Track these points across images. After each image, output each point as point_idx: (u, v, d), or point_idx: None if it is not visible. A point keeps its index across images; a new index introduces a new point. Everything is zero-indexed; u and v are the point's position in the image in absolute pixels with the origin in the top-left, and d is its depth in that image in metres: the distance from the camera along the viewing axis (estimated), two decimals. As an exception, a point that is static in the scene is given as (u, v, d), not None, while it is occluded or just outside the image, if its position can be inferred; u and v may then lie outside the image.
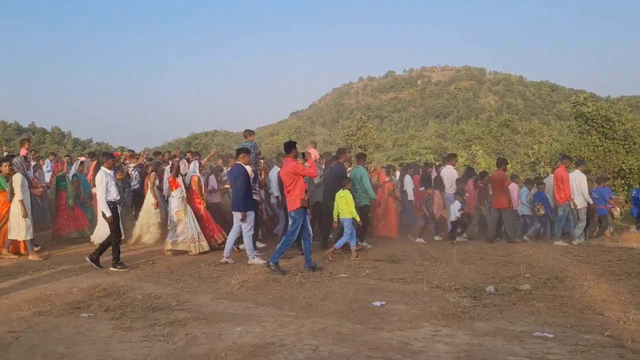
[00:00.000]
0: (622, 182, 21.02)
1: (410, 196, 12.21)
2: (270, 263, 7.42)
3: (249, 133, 10.95)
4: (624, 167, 21.29)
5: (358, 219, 9.14)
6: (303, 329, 4.71)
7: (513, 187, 12.04)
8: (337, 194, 9.11)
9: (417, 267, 7.93)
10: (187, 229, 9.11)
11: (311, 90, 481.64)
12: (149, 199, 10.39)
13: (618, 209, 12.91)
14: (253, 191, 8.94)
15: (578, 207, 11.18)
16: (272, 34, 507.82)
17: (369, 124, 62.78)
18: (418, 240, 10.93)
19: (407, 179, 12.52)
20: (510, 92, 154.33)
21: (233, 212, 8.40)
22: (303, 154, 8.33)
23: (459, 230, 11.35)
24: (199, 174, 9.72)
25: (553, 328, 4.67)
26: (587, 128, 23.05)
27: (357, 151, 49.54)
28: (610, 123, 22.22)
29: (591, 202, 11.40)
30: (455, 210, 11.03)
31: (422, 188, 11.69)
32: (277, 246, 7.72)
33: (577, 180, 11.38)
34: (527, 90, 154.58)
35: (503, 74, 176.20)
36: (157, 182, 10.59)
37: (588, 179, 12.22)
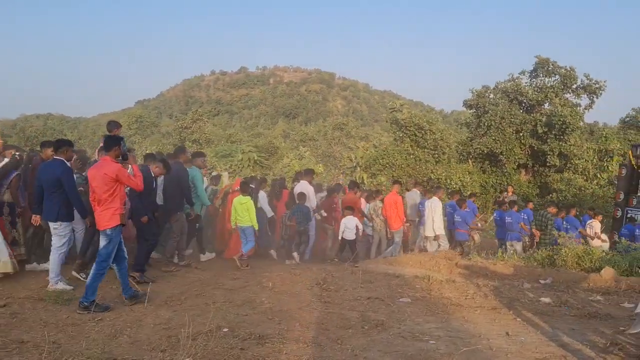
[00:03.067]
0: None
1: (269, 214, 10.50)
2: (85, 303, 5.49)
3: (114, 126, 8.49)
4: (432, 176, 21.03)
5: (257, 227, 8.98)
6: None
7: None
8: (237, 199, 8.88)
9: (81, 314, 5.40)
10: None
11: (160, 79, 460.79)
12: None
13: (478, 234, 12.24)
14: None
15: (425, 235, 11.43)
16: (120, 15, 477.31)
17: (205, 118, 59.90)
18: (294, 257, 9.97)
19: (262, 195, 10.44)
20: (356, 98, 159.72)
21: (50, 223, 6.48)
22: (126, 155, 6.17)
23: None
24: None
25: None
26: (401, 135, 22.57)
27: (190, 146, 46.39)
28: (422, 132, 21.90)
29: (439, 233, 11.27)
30: (352, 228, 10.13)
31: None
32: (88, 280, 5.71)
33: (433, 207, 11.27)
34: (372, 97, 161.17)
35: (351, 80, 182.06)
36: None
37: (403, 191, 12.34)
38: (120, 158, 6.12)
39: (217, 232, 10.65)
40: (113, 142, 6.04)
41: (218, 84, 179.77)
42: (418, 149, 21.97)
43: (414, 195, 12.70)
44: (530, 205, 13.06)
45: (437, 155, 22.01)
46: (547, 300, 6.75)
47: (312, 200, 10.76)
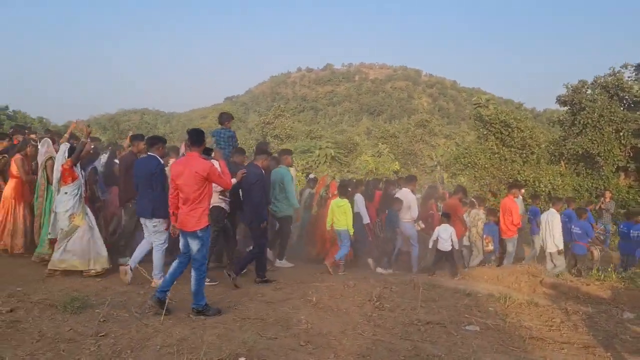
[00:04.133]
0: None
1: (366, 219, 9.77)
2: (198, 308, 5.37)
3: (226, 118, 8.43)
4: (519, 178, 19.23)
5: (352, 231, 8.67)
6: None
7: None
8: (334, 202, 8.72)
9: (87, 326, 4.75)
10: (81, 242, 6.58)
11: (248, 76, 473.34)
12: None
13: (598, 249, 10.80)
14: (221, 197, 7.08)
15: (549, 251, 10.12)
16: (213, 16, 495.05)
17: (287, 114, 60.17)
18: (379, 270, 9.31)
19: (358, 198, 9.84)
20: (443, 95, 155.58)
21: (143, 219, 6.52)
22: (210, 150, 5.81)
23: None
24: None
25: None
26: (485, 133, 20.86)
27: (272, 141, 46.52)
28: (509, 129, 20.10)
29: (561, 247, 9.98)
30: (447, 238, 9.16)
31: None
32: (193, 286, 5.43)
33: (550, 220, 10.12)
34: (459, 95, 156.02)
35: (438, 77, 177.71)
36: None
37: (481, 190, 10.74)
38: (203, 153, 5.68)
39: (317, 238, 10.08)
40: (201, 137, 5.52)
41: (304, 81, 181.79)
42: (504, 147, 20.20)
43: (517, 201, 11.37)
44: None
45: (524, 155, 20.12)
46: (656, 338, 5.37)
47: (414, 210, 9.80)
